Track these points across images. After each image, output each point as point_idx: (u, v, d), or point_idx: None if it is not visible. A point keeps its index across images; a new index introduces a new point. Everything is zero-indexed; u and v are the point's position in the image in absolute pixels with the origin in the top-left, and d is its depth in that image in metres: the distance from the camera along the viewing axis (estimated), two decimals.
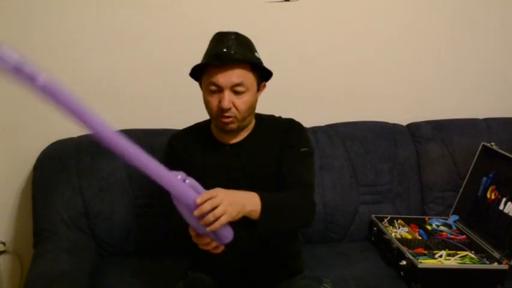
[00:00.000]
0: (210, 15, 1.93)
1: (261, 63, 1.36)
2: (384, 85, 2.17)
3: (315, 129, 2.01)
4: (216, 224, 1.05)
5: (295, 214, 1.29)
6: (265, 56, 1.98)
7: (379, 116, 2.13)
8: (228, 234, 1.13)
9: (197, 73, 1.37)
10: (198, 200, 1.03)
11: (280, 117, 1.50)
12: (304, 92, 2.09)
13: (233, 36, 1.33)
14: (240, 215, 1.11)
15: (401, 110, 2.19)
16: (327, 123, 2.06)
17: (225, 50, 1.29)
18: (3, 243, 1.96)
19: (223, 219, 1.06)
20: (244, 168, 1.32)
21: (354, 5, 2.06)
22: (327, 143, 1.97)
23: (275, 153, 1.39)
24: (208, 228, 1.06)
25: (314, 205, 1.33)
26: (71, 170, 1.78)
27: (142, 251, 1.79)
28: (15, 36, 1.80)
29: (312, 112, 2.09)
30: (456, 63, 2.22)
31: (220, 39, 1.32)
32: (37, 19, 1.81)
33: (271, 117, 1.49)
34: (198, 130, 1.49)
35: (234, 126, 1.35)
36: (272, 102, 1.96)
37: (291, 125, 1.45)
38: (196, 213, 1.04)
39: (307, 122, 2.00)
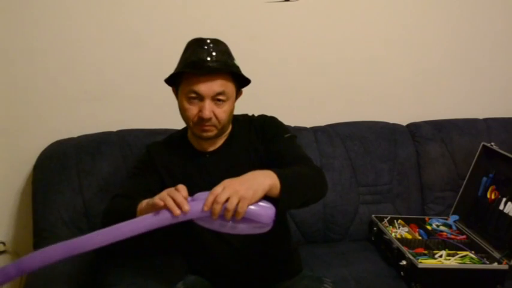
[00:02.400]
0: (210, 15, 1.93)
1: (240, 71, 1.33)
2: (384, 85, 2.17)
3: (315, 129, 2.00)
4: (239, 215, 1.02)
5: (312, 182, 1.23)
6: (265, 55, 2.00)
7: (379, 116, 2.13)
8: (267, 211, 1.07)
9: (173, 79, 1.34)
10: (205, 208, 1.02)
11: (253, 115, 1.47)
12: (304, 92, 2.09)
13: (212, 44, 1.29)
14: (259, 194, 1.06)
15: (401, 110, 2.19)
16: (327, 123, 2.06)
17: (207, 58, 1.26)
18: (3, 243, 1.96)
19: (242, 206, 1.02)
20: (227, 174, 1.18)
21: (354, 5, 2.06)
22: (327, 143, 1.97)
23: (256, 153, 1.38)
24: (237, 219, 1.03)
25: (322, 171, 1.29)
26: (71, 170, 1.77)
27: (143, 251, 1.79)
28: (16, 37, 1.80)
29: (312, 112, 2.10)
30: (456, 63, 2.22)
31: (200, 45, 1.29)
32: (38, 19, 1.81)
33: (245, 117, 1.47)
34: (175, 141, 1.47)
35: (212, 134, 1.33)
36: (272, 102, 1.97)
37: (265, 120, 1.44)
38: (214, 217, 1.02)
39: (307, 122, 2.02)
